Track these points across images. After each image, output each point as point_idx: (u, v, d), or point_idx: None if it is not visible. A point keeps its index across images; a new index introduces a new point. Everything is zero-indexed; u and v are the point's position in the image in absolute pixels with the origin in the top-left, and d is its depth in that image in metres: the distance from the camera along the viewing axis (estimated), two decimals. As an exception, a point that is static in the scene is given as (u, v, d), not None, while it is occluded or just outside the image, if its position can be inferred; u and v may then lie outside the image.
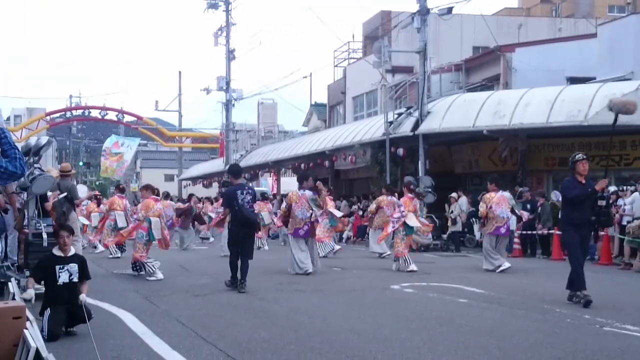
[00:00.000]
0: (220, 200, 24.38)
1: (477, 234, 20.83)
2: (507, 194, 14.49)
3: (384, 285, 11.43)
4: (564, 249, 9.68)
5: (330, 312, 8.84)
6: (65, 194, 12.12)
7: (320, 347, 6.69)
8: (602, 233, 16.05)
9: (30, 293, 7.04)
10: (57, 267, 7.34)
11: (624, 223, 15.27)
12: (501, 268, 13.61)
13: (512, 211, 14.17)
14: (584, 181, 9.38)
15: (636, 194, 15.10)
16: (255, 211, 12.32)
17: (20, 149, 4.70)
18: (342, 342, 6.92)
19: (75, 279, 7.40)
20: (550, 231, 17.49)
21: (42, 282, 7.54)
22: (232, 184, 11.55)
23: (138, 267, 12.65)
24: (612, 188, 16.91)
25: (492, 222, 13.95)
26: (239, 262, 10.89)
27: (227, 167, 12.80)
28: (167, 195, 22.78)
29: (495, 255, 13.91)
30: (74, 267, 7.41)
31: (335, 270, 14.16)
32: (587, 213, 9.31)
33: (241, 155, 40.86)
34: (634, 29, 21.73)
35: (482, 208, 14.15)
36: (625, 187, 16.19)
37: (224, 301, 9.74)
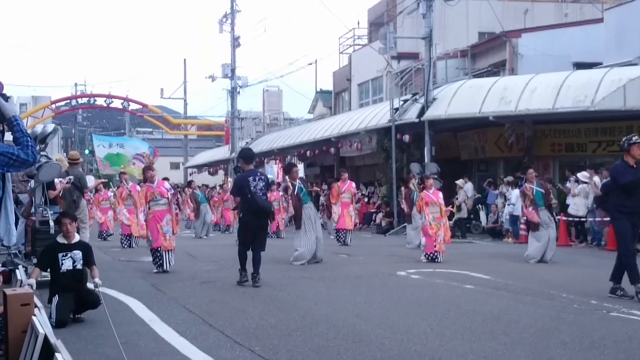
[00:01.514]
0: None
1: (484, 220, 20.86)
2: None
3: (390, 272, 11.44)
4: (618, 239, 9.02)
5: (336, 298, 8.85)
6: (71, 177, 12.15)
7: (327, 333, 6.71)
8: (608, 219, 16.04)
9: (31, 282, 7.01)
10: (60, 254, 7.36)
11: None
12: None
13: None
14: (635, 165, 8.77)
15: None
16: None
17: (31, 137, 4.72)
18: (348, 327, 6.94)
19: (79, 266, 7.42)
20: (557, 217, 17.44)
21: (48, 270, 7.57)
22: (243, 169, 10.63)
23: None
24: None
25: None
26: (250, 255, 10.15)
27: (239, 151, 11.54)
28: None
29: None
30: (77, 254, 7.42)
31: (341, 257, 14.18)
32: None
33: (247, 142, 40.83)
34: (640, 14, 21.58)
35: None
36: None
37: (230, 288, 9.78)
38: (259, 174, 10.40)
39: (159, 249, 11.67)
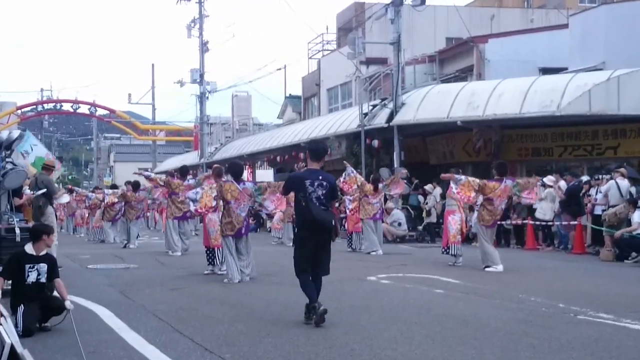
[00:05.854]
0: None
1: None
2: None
3: (360, 277, 11.45)
4: None
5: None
6: (44, 190, 12.00)
7: (297, 338, 6.69)
8: (574, 222, 16.24)
9: None
10: (27, 265, 7.23)
11: (598, 212, 15.34)
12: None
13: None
14: None
15: (612, 182, 15.15)
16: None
17: None
18: (319, 333, 6.93)
19: (43, 280, 7.26)
20: (525, 221, 17.63)
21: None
22: (283, 170, 8.45)
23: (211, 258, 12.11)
24: (585, 178, 17.07)
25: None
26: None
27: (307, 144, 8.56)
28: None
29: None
30: (43, 267, 7.28)
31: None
32: None
33: (216, 148, 40.68)
34: (604, 20, 21.95)
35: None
36: (600, 176, 16.19)
37: (200, 295, 9.70)
38: (321, 177, 7.70)
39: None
